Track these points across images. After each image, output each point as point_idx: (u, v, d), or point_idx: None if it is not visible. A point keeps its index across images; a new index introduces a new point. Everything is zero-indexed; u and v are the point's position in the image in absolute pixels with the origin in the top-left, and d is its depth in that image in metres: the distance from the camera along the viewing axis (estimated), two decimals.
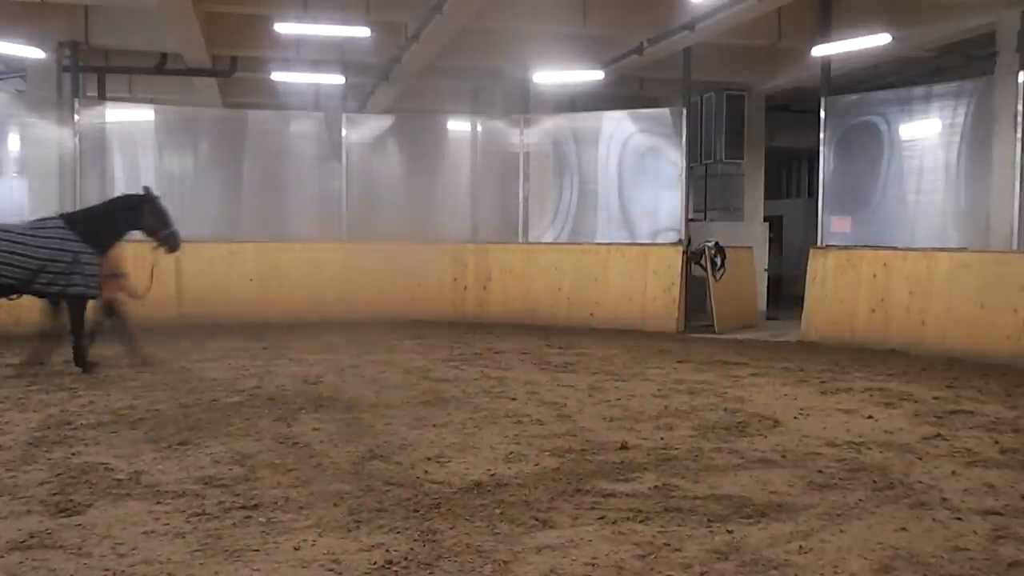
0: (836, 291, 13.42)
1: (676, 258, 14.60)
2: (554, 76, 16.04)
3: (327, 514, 5.17)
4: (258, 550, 4.61)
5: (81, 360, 10.01)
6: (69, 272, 9.60)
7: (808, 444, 6.95)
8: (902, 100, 13.55)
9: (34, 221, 10.16)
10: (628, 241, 15.59)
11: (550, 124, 16.97)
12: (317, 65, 16.40)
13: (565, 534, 4.87)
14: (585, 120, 16.99)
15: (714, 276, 14.72)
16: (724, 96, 18.08)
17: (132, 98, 18.83)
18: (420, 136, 17.36)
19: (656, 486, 5.77)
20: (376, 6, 13.75)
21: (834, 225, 14.00)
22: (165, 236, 10.28)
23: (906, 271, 12.49)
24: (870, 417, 7.97)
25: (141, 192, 10.40)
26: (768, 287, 17.97)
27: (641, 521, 5.08)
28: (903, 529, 4.99)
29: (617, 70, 16.24)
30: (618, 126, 16.30)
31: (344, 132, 16.54)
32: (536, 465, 6.25)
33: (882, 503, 5.45)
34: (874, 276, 12.88)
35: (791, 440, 7.08)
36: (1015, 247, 11.64)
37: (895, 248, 12.87)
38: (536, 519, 5.11)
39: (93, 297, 9.99)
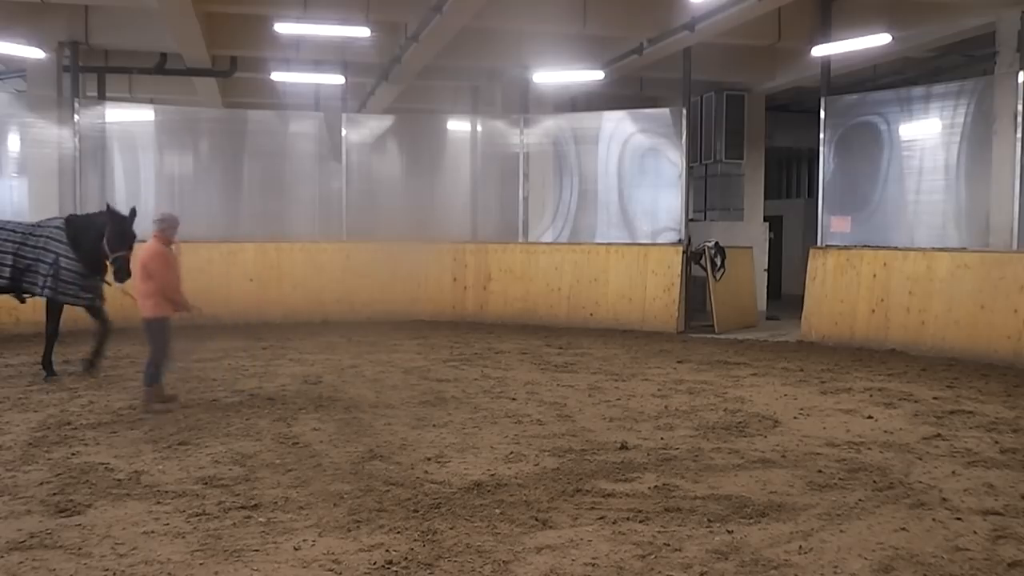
0: (836, 291, 13.42)
1: (676, 258, 14.60)
2: (554, 76, 16.03)
3: (327, 514, 5.17)
4: (258, 550, 4.61)
5: (46, 364, 9.73)
6: (46, 275, 9.47)
7: (808, 444, 6.95)
8: (902, 100, 13.54)
9: (41, 221, 10.10)
10: (628, 241, 15.59)
11: (550, 124, 16.97)
12: (317, 65, 16.39)
13: (565, 534, 4.87)
14: (585, 120, 16.98)
15: (714, 276, 14.72)
16: (724, 96, 18.08)
17: (132, 98, 18.83)
18: (420, 136, 17.36)
19: (656, 486, 5.77)
20: (376, 6, 13.75)
21: (834, 225, 13.99)
22: (113, 259, 9.17)
23: (906, 271, 12.49)
24: (870, 417, 7.97)
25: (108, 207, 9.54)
26: None
27: (641, 521, 5.08)
28: (903, 529, 4.99)
29: (617, 70, 16.24)
30: (618, 126, 16.29)
31: (344, 132, 16.54)
32: (536, 465, 6.25)
33: (882, 503, 5.45)
34: (874, 276, 12.88)
35: (791, 440, 7.08)
36: (1015, 247, 11.64)
37: (895, 248, 12.87)
38: (536, 519, 5.11)
39: (65, 303, 9.67)
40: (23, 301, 10.12)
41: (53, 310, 9.75)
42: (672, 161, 15.31)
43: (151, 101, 18.50)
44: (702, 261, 14.73)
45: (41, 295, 9.64)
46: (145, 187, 15.85)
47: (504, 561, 4.48)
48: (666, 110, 15.93)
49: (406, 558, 4.50)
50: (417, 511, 5.22)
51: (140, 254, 8.15)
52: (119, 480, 5.82)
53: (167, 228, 8.18)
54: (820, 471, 6.15)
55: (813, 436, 7.22)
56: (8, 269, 9.53)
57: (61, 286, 9.47)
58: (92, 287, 9.61)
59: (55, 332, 9.77)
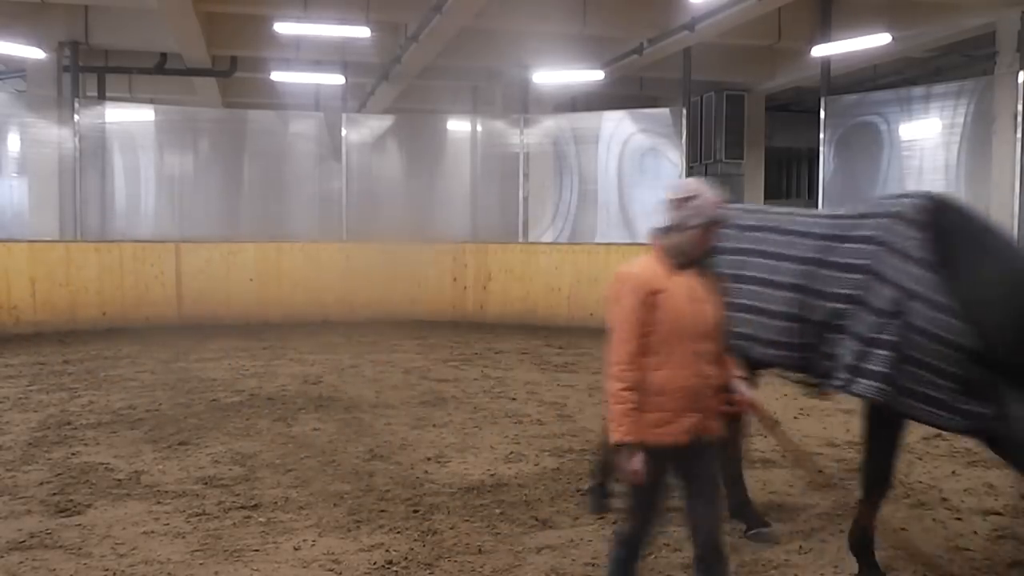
0: None
1: None
2: (554, 76, 16.03)
3: (327, 514, 5.17)
4: (258, 550, 4.61)
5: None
6: (869, 337, 4.08)
7: (808, 444, 6.95)
8: (902, 100, 13.54)
9: (862, 207, 4.55)
10: (628, 241, 15.58)
11: (550, 124, 16.96)
12: (317, 65, 16.39)
13: (565, 534, 4.87)
14: (585, 120, 16.98)
15: None
16: (724, 96, 18.07)
17: (132, 98, 18.82)
18: (420, 136, 17.35)
19: None
20: (376, 6, 13.74)
21: None
22: None
23: None
24: None
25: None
26: None
27: None
28: (903, 529, 4.99)
29: (617, 70, 16.24)
30: (618, 126, 16.29)
31: (344, 132, 16.54)
32: (536, 465, 6.26)
33: (882, 503, 5.45)
34: None
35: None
36: None
37: None
38: (536, 519, 5.11)
39: (910, 416, 4.13)
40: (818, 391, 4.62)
41: (877, 425, 4.32)
42: (672, 161, 15.31)
43: (151, 101, 18.50)
44: None
45: (843, 389, 4.19)
46: (145, 187, 15.87)
47: (504, 561, 4.48)
48: (666, 110, 15.93)
49: (406, 558, 4.51)
50: (417, 511, 5.22)
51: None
52: (119, 480, 5.82)
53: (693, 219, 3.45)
54: (820, 471, 6.15)
55: (813, 436, 7.22)
56: (782, 325, 4.47)
57: (903, 373, 3.97)
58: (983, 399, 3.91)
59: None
